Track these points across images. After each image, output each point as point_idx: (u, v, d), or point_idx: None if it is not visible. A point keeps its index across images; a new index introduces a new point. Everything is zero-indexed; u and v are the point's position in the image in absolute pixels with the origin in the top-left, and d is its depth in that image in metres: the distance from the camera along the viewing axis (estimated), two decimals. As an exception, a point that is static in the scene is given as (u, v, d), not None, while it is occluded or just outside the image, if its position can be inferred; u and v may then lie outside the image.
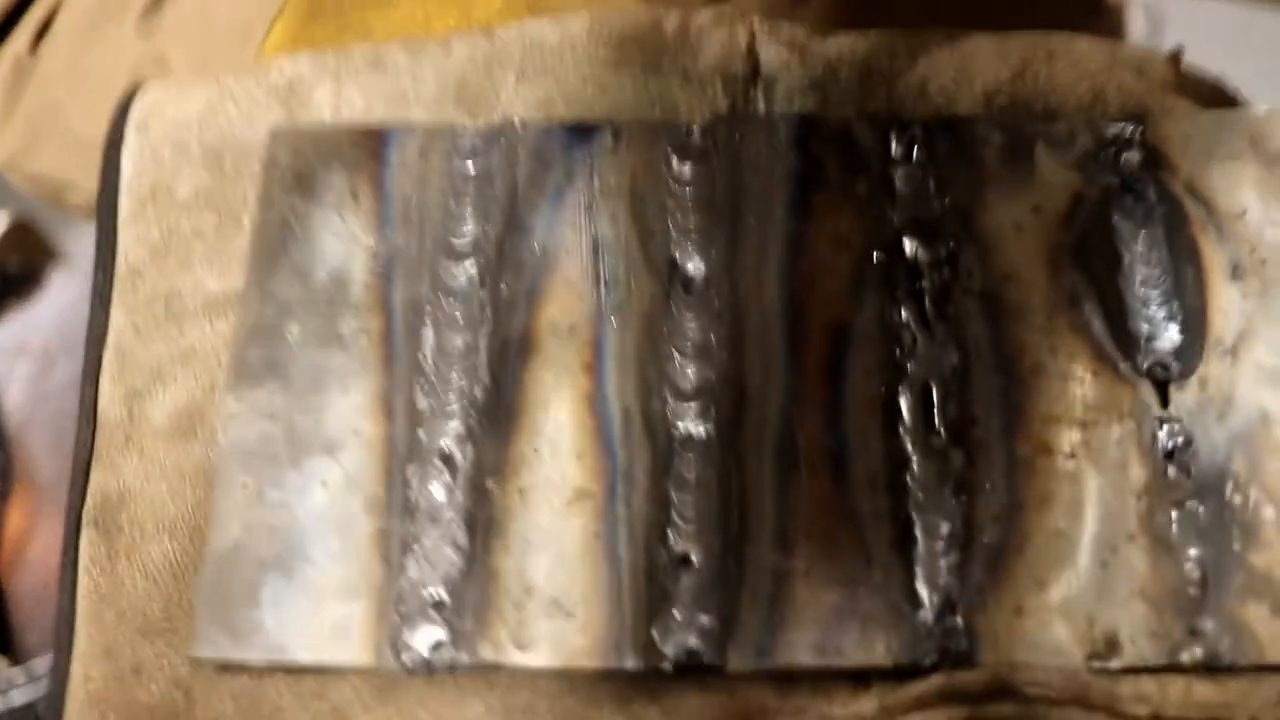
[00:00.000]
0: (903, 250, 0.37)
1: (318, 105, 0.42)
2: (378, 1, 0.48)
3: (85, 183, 0.63)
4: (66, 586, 0.38)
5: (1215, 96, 0.42)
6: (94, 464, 0.39)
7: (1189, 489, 0.35)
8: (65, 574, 0.38)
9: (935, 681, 0.33)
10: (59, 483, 0.78)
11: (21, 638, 0.74)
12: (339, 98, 0.42)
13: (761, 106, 0.40)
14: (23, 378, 0.83)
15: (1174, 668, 0.33)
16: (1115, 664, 0.33)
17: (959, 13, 0.43)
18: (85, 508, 0.39)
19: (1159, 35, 0.96)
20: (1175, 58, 0.41)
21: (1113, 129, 0.39)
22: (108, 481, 0.39)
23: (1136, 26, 0.92)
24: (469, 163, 0.39)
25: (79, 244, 0.79)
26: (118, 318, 0.41)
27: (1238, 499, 0.34)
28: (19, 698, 0.70)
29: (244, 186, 0.41)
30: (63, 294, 0.88)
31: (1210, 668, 0.33)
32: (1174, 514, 0.34)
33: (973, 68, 0.40)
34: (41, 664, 0.70)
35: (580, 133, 0.39)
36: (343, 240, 0.39)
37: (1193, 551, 0.34)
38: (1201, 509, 0.34)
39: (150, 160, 0.42)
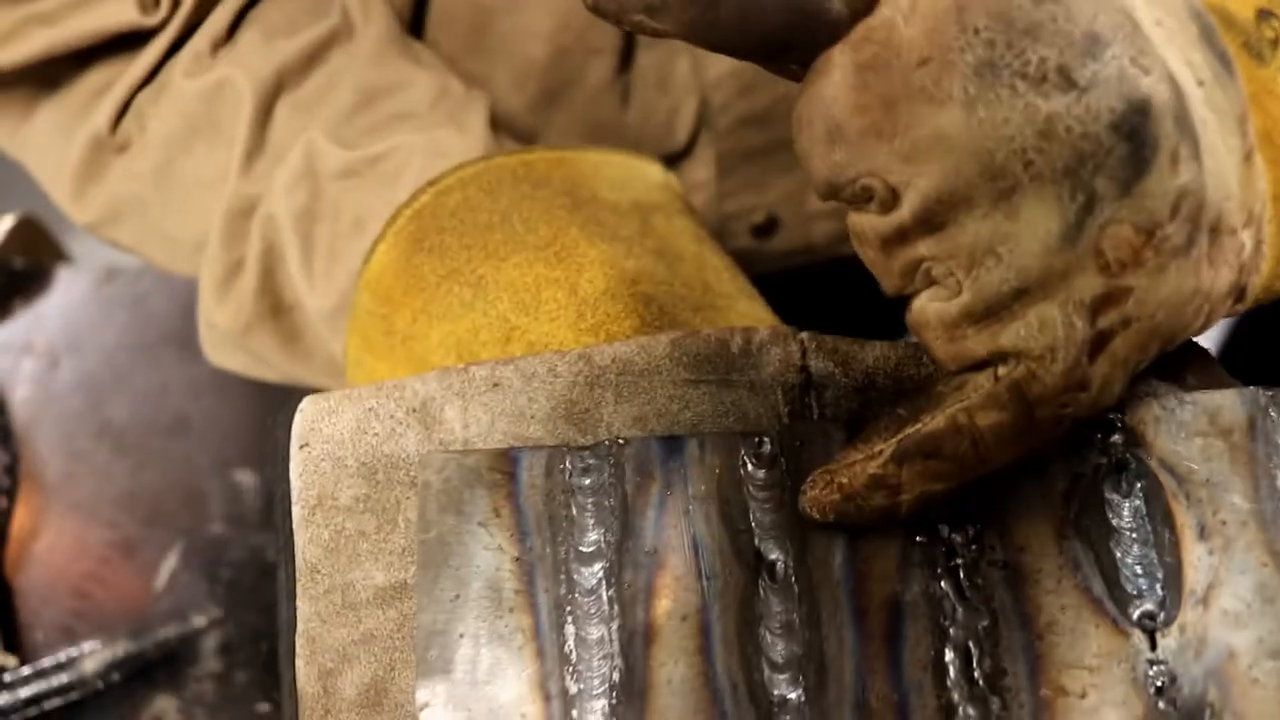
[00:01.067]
0: (939, 532, 0.48)
1: (449, 422, 0.53)
2: (489, 254, 0.59)
3: (164, 263, 0.74)
4: (297, 846, 0.49)
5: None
6: (302, 736, 0.50)
7: (1176, 719, 0.46)
8: (294, 834, 0.49)
9: None
10: (65, 480, 0.87)
11: (28, 634, 0.81)
12: (466, 415, 0.53)
13: (815, 410, 0.51)
14: (29, 376, 0.91)
15: None
16: None
17: None
18: (300, 773, 0.50)
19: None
20: None
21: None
22: (316, 752, 0.50)
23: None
24: (585, 479, 0.50)
25: (85, 244, 0.86)
26: (304, 607, 0.52)
27: (1214, 725, 0.46)
28: (26, 693, 0.77)
29: (396, 493, 0.52)
30: (69, 293, 0.96)
31: None
32: (1166, 741, 0.46)
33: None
34: (47, 660, 0.77)
35: (671, 445, 0.50)
36: (491, 552, 0.49)
37: (1183, 770, 0.45)
38: (1187, 735, 0.46)
39: (314, 474, 0.53)
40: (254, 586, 0.81)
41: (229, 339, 0.70)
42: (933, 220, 0.44)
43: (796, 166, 0.84)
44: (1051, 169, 0.43)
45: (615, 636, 0.48)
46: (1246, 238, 0.46)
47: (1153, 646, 0.47)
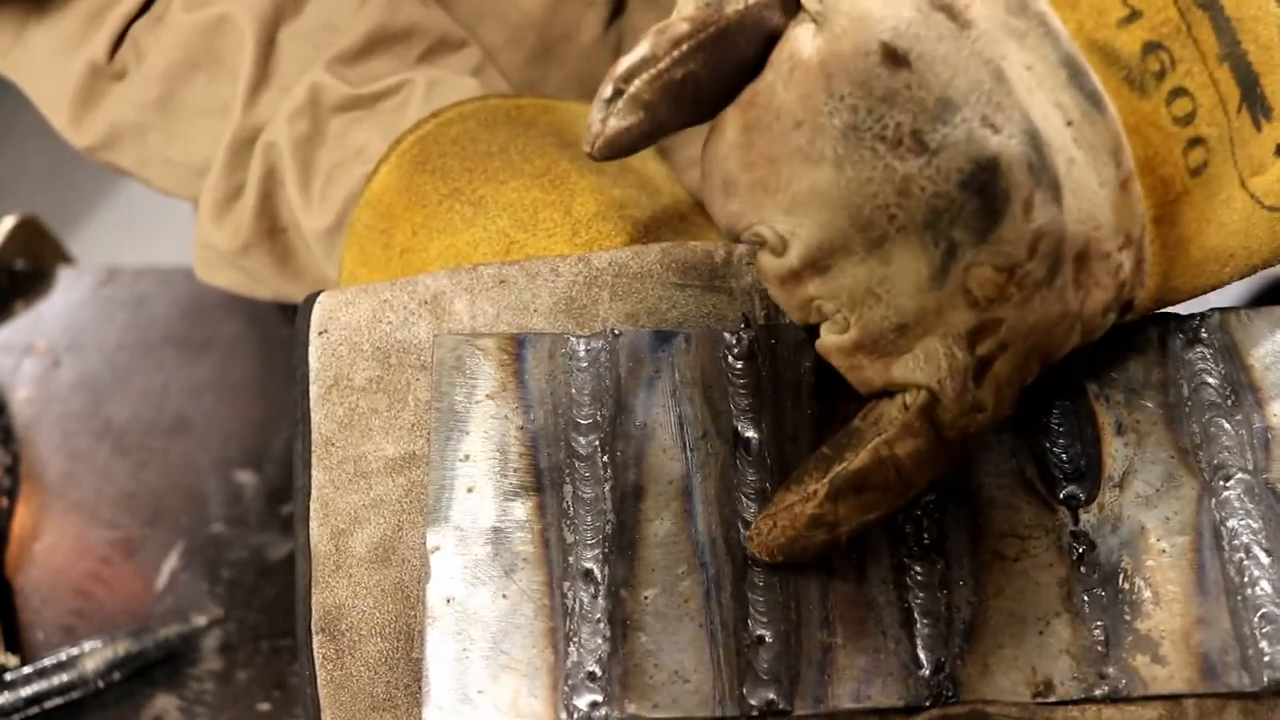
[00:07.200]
0: (894, 419, 0.59)
1: (458, 314, 0.62)
2: (489, 178, 0.68)
3: (162, 185, 0.81)
4: (308, 677, 0.57)
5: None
6: (313, 587, 0.58)
7: (1094, 580, 0.56)
8: (305, 668, 0.57)
9: (934, 713, 0.54)
10: (65, 480, 0.91)
11: (29, 634, 0.85)
12: (474, 308, 0.62)
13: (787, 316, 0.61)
14: (30, 377, 0.96)
15: (1090, 700, 0.54)
16: (1052, 699, 0.54)
17: None
18: (313, 619, 0.58)
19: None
20: None
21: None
22: (326, 599, 0.58)
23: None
24: (584, 361, 0.60)
25: (85, 244, 0.89)
26: (318, 476, 0.60)
27: (1126, 585, 0.56)
28: (27, 692, 0.81)
29: (407, 375, 0.61)
30: (70, 294, 1.01)
31: (1114, 699, 0.55)
32: (1085, 597, 0.56)
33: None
34: (48, 659, 0.81)
35: (661, 337, 0.60)
36: (498, 420, 0.59)
37: (1098, 622, 0.55)
38: (1103, 593, 0.56)
39: (331, 357, 0.62)
40: (254, 586, 0.86)
41: (223, 258, 0.78)
42: (817, 264, 0.52)
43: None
44: (913, 222, 0.50)
45: (608, 495, 0.57)
46: (1125, 258, 0.53)
47: (1075, 521, 0.57)
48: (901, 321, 0.51)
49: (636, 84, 0.52)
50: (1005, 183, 0.50)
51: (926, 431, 0.52)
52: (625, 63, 0.52)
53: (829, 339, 0.54)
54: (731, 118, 0.53)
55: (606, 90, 0.52)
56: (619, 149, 0.53)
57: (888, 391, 0.53)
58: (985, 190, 0.50)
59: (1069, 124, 0.51)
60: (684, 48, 0.52)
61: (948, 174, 0.50)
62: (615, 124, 0.52)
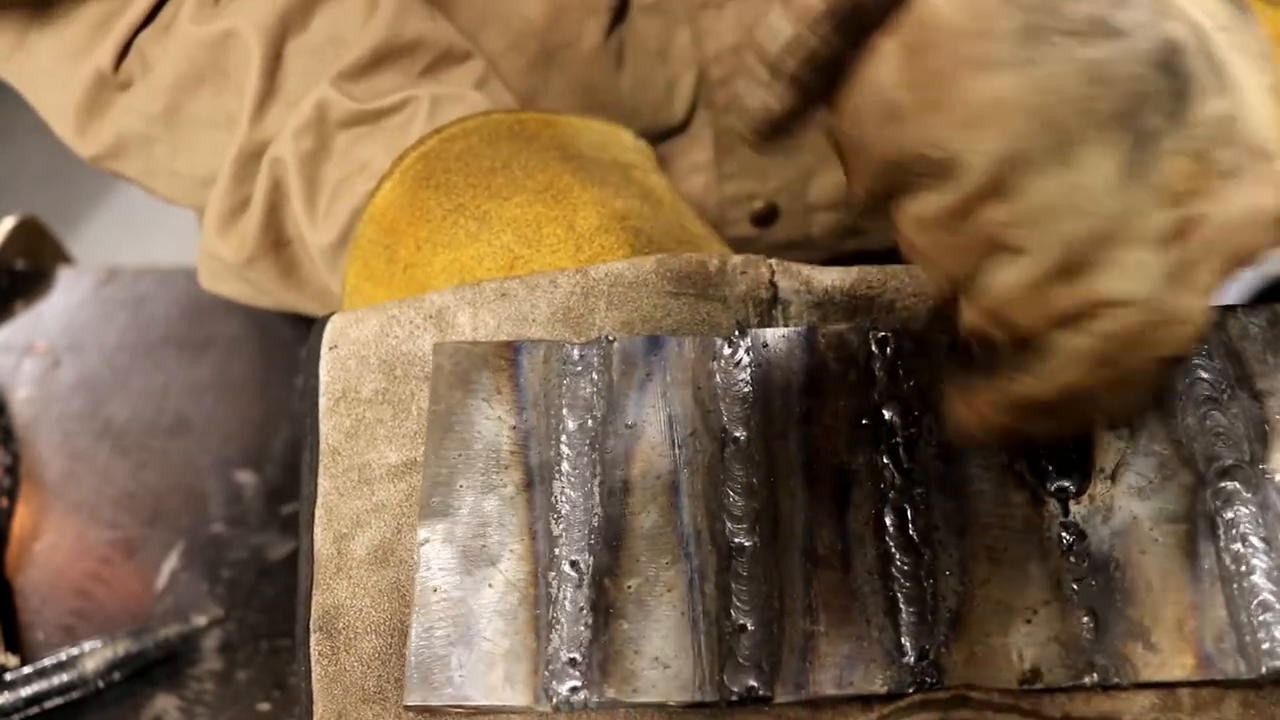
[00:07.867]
0: (883, 417, 0.59)
1: (461, 326, 0.64)
2: (492, 194, 0.70)
3: (167, 195, 0.82)
4: (304, 673, 0.58)
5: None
6: (314, 588, 0.60)
7: (1084, 569, 0.55)
8: (302, 664, 0.58)
9: (916, 698, 0.53)
10: (65, 480, 0.91)
11: (29, 634, 0.85)
12: (476, 320, 0.64)
13: (781, 321, 0.62)
14: (30, 377, 0.96)
15: (1079, 687, 0.53)
16: (1039, 686, 0.53)
17: None
18: (312, 618, 0.59)
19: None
20: None
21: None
22: (326, 599, 0.59)
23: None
24: (577, 366, 0.61)
25: (85, 244, 0.88)
26: (324, 483, 0.62)
27: (1118, 574, 0.55)
28: (27, 692, 0.80)
29: (411, 386, 0.63)
30: (70, 294, 1.01)
31: (1104, 686, 0.53)
32: (1075, 586, 0.55)
33: (925, 290, 0.62)
34: (48, 659, 0.81)
35: (655, 343, 0.61)
36: (492, 421, 0.60)
37: (1089, 610, 0.54)
38: (1094, 582, 0.55)
39: (340, 370, 0.64)
40: (254, 586, 0.87)
41: (228, 270, 0.80)
42: (1000, 185, 0.49)
43: (796, 153, 0.89)
44: (1105, 113, 0.48)
45: (597, 491, 0.58)
46: None
47: (1065, 513, 0.57)
48: (1099, 232, 0.49)
49: (789, 62, 0.52)
50: (1190, 64, 0.49)
51: (1121, 355, 0.50)
52: (773, 43, 0.52)
53: (1007, 276, 0.50)
54: (888, 46, 0.51)
55: (762, 73, 0.52)
56: (781, 129, 0.53)
57: (1071, 319, 0.50)
58: (1173, 69, 0.49)
59: (1222, 29, 0.51)
60: (823, 20, 0.51)
61: (1138, 54, 0.48)
62: (775, 105, 0.53)
